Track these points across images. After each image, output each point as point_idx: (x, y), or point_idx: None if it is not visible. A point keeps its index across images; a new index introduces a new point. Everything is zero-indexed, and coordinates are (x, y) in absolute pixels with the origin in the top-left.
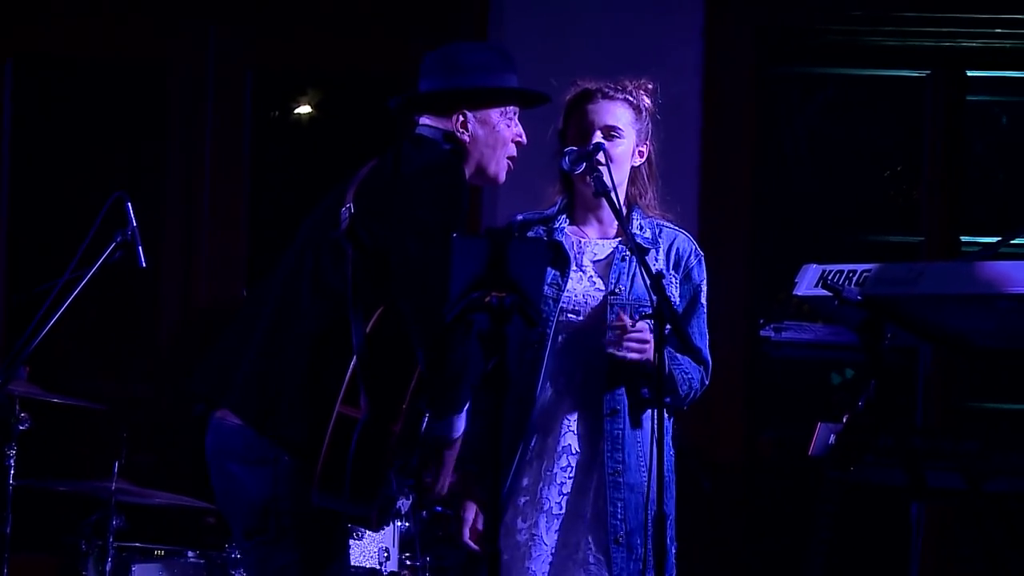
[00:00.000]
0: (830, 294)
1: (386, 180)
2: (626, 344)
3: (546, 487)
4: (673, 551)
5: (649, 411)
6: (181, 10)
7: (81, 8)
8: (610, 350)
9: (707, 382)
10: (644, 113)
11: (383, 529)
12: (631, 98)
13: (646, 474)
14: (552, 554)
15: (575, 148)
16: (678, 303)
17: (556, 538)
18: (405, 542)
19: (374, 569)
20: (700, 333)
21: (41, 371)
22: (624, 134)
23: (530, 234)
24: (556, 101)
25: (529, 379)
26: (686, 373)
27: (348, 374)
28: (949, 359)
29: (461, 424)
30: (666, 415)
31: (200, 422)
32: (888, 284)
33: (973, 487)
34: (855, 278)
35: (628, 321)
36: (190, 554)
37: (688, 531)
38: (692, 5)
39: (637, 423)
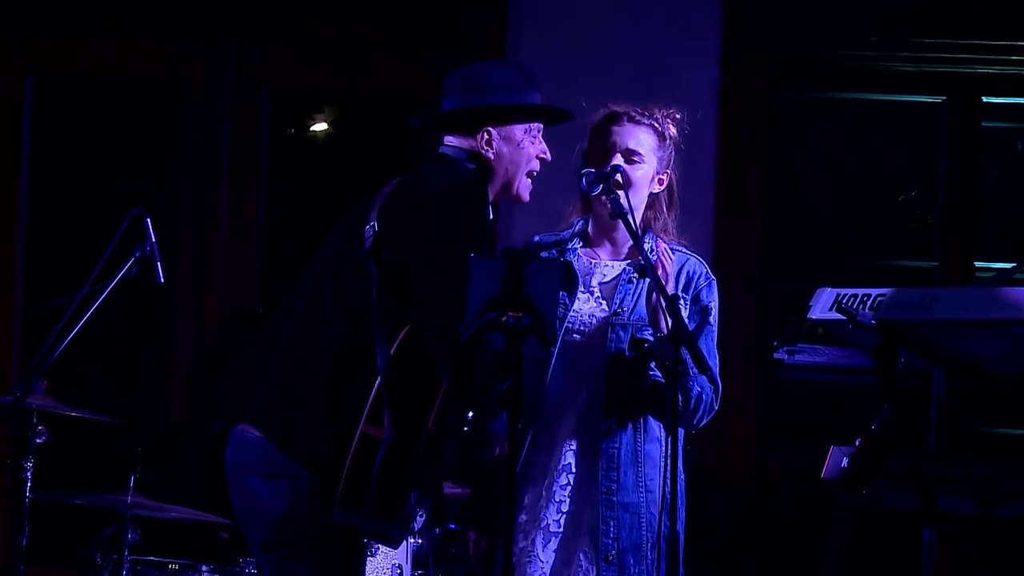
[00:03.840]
0: (844, 318)
1: (409, 199)
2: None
3: (546, 504)
4: None
5: (658, 432)
6: (199, 29)
7: (100, 27)
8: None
9: (717, 405)
10: (668, 141)
11: (400, 545)
12: (657, 125)
13: (645, 495)
14: (548, 572)
15: (593, 169)
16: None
17: (554, 556)
18: (418, 559)
19: None
20: (709, 354)
21: (58, 385)
22: (645, 159)
23: (544, 255)
24: (580, 122)
25: (533, 398)
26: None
27: (372, 394)
28: (962, 384)
29: (503, 422)
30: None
31: (216, 437)
32: (902, 308)
33: (985, 512)
34: (869, 302)
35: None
36: (204, 568)
37: (697, 553)
38: (708, 30)
39: (637, 443)
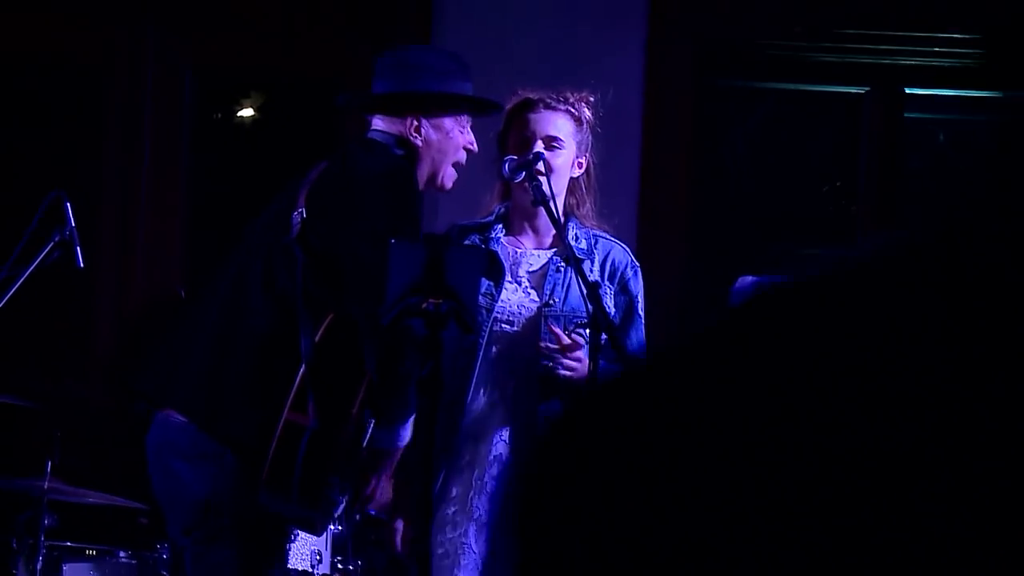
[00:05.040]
0: None
1: (338, 185)
2: (562, 362)
3: (477, 496)
4: None
5: None
6: (120, 9)
7: (18, 5)
8: (544, 362)
9: None
10: (585, 125)
11: (324, 532)
12: (573, 110)
13: None
14: (481, 562)
15: (515, 157)
16: (614, 314)
17: (486, 547)
18: (337, 545)
19: (306, 571)
20: (639, 343)
21: None
22: (564, 145)
23: (466, 242)
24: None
25: (459, 387)
26: None
27: (297, 380)
28: None
29: (406, 434)
30: None
31: (137, 422)
32: None
33: None
34: None
35: (565, 339)
36: (122, 554)
37: None
38: (633, 17)
39: None
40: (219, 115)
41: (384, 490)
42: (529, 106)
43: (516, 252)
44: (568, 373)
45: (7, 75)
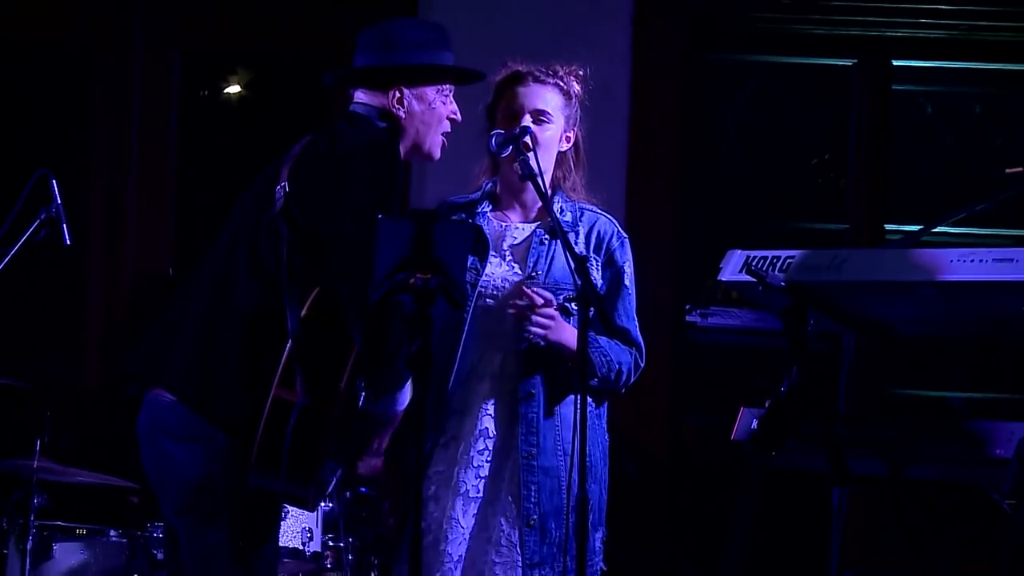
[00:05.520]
0: (754, 280)
1: (320, 159)
2: (533, 319)
3: (463, 470)
4: (598, 537)
5: (572, 396)
6: None
7: None
8: (522, 324)
9: (642, 364)
10: (574, 99)
11: (316, 509)
12: (562, 83)
13: (564, 458)
14: (468, 537)
15: (502, 131)
16: (601, 286)
17: (473, 521)
18: (328, 523)
19: (297, 549)
20: (626, 315)
21: None
22: (553, 119)
23: (453, 219)
24: (491, 81)
25: (445, 363)
26: (605, 355)
27: (284, 356)
28: (872, 346)
29: (405, 398)
30: (593, 401)
31: (128, 401)
32: (812, 271)
33: (894, 473)
34: (779, 264)
35: (538, 299)
36: (112, 533)
37: (612, 515)
38: None
39: (554, 407)
40: (207, 93)
41: (381, 450)
42: (518, 79)
43: (501, 226)
44: (539, 331)
45: None
